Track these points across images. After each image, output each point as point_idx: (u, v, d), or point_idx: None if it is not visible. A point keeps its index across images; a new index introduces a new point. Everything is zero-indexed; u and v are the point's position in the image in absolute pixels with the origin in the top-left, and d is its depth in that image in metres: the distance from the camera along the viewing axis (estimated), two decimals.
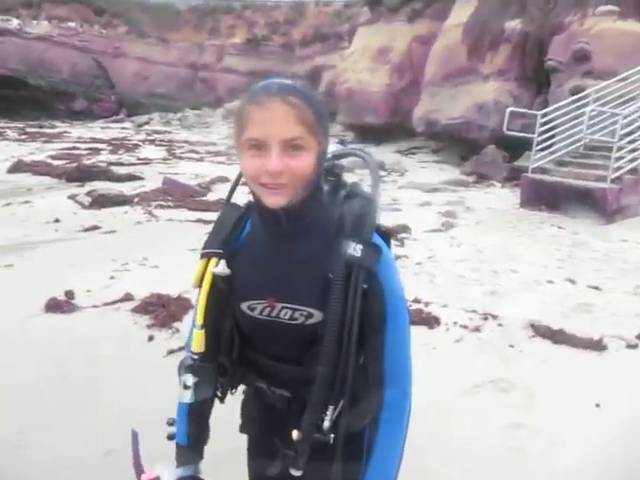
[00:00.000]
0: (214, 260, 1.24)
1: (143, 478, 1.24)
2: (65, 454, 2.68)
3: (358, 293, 1.12)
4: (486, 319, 4.45)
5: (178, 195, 9.19)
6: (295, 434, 1.16)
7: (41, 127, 23.75)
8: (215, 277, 1.23)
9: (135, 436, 1.31)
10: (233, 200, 1.37)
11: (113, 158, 14.08)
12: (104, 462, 2.65)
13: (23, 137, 19.50)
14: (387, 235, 1.27)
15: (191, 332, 1.30)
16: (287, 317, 1.21)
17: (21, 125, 23.91)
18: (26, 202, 8.52)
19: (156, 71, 33.52)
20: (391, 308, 1.18)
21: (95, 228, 7.04)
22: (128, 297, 4.57)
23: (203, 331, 1.25)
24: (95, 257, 5.74)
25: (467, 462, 2.70)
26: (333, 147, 1.35)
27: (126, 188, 9.64)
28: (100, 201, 8.31)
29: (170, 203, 8.63)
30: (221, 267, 1.23)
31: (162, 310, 4.31)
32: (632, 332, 4.23)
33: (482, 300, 4.90)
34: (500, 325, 4.35)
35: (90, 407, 3.07)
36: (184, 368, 1.27)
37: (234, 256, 1.25)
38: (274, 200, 1.12)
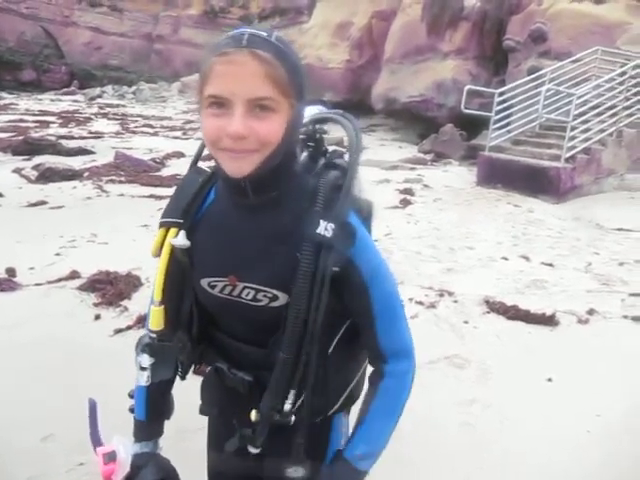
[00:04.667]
0: (173, 230, 1.12)
1: (99, 451, 1.15)
2: (2, 437, 2.54)
3: (326, 276, 1.01)
4: (442, 295, 4.45)
5: (131, 170, 8.88)
6: (254, 415, 1.08)
7: None
8: (174, 249, 1.12)
9: (93, 406, 1.20)
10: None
11: (63, 131, 13.49)
12: (42, 447, 2.53)
13: None
14: (365, 211, 1.16)
15: (149, 308, 1.19)
16: (249, 298, 1.09)
17: None
18: None
19: (109, 42, 32.24)
20: (374, 287, 1.08)
21: (42, 203, 6.72)
22: (74, 275, 4.37)
23: (162, 308, 1.14)
24: (41, 233, 5.48)
25: (419, 438, 2.68)
26: (314, 110, 1.22)
27: (76, 162, 9.25)
28: (47, 175, 7.94)
29: (122, 178, 8.33)
30: (180, 239, 1.11)
31: (110, 288, 4.14)
32: (583, 308, 4.30)
33: (438, 277, 4.90)
34: (455, 301, 4.36)
35: (31, 389, 2.92)
36: (141, 347, 1.15)
37: (195, 227, 1.13)
38: (236, 168, 0.99)
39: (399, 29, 15.97)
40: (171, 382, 1.28)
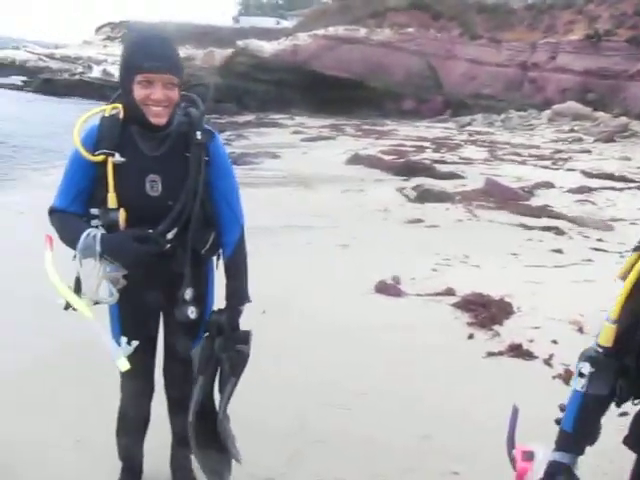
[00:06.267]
0: None
1: (517, 448, 1.31)
2: (382, 433, 2.83)
3: None
4: None
5: (499, 197, 8.99)
6: None
7: (374, 125, 26.06)
8: None
9: (515, 412, 1.37)
10: None
11: (436, 156, 14.56)
12: (419, 445, 2.74)
13: (359, 133, 21.70)
14: None
15: (602, 325, 1.26)
16: None
17: (357, 122, 26.65)
18: (360, 191, 9.46)
19: (484, 72, 33.44)
20: None
21: (419, 221, 7.39)
22: (449, 292, 4.64)
23: (615, 326, 1.20)
24: (418, 248, 6.02)
25: None
26: None
27: (448, 185, 9.87)
28: (424, 196, 8.69)
29: (491, 204, 8.52)
30: None
31: (482, 310, 4.26)
32: None
33: None
34: None
35: (406, 394, 3.17)
36: (584, 357, 1.25)
37: None
38: None
39: None
40: (604, 406, 1.30)
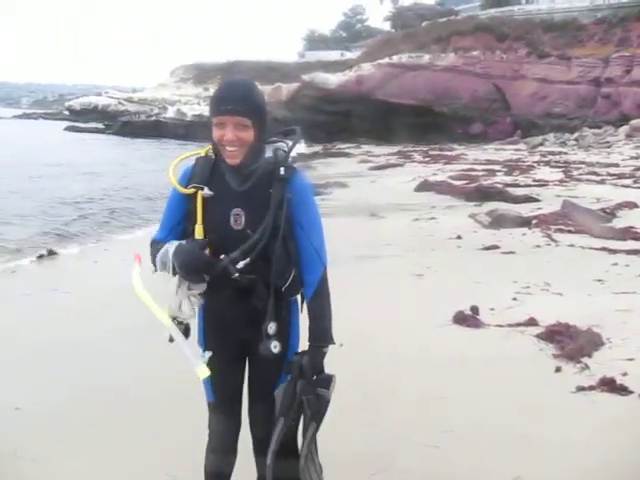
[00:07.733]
0: None
1: None
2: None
3: None
4: None
5: (579, 220, 8.62)
6: None
7: (441, 150, 25.83)
8: None
9: None
10: None
11: (508, 179, 14.23)
12: None
13: (427, 159, 21.59)
14: None
15: None
16: None
17: (425, 148, 26.52)
18: (432, 218, 9.34)
19: (554, 90, 32.56)
20: None
21: (494, 247, 7.18)
22: (532, 322, 4.46)
23: None
24: (496, 276, 5.84)
25: None
26: None
27: (523, 209, 9.58)
28: (499, 221, 8.47)
29: (570, 228, 8.16)
30: None
31: (569, 341, 4.07)
32: None
33: None
34: None
35: (493, 430, 3.06)
36: None
37: None
38: None
39: None
40: None
